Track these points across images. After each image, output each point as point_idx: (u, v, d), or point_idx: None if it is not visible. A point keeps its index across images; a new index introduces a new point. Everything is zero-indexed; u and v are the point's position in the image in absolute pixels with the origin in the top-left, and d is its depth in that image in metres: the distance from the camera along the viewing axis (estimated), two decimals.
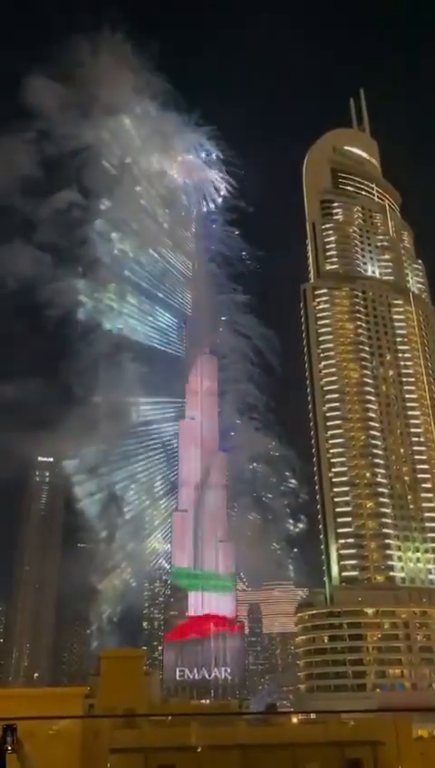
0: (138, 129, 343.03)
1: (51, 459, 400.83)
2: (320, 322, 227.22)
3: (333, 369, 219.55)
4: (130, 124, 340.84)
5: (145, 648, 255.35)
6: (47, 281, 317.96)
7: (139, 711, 65.03)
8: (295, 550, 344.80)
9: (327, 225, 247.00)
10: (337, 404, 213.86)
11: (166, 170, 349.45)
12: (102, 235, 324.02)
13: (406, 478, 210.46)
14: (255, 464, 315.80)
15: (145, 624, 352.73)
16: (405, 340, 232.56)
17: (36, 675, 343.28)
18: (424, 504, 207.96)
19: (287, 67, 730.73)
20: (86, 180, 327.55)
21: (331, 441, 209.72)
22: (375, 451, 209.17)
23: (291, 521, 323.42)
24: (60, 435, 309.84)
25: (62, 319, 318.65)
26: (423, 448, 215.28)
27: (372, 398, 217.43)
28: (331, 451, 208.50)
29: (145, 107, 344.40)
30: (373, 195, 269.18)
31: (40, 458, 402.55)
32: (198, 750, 52.70)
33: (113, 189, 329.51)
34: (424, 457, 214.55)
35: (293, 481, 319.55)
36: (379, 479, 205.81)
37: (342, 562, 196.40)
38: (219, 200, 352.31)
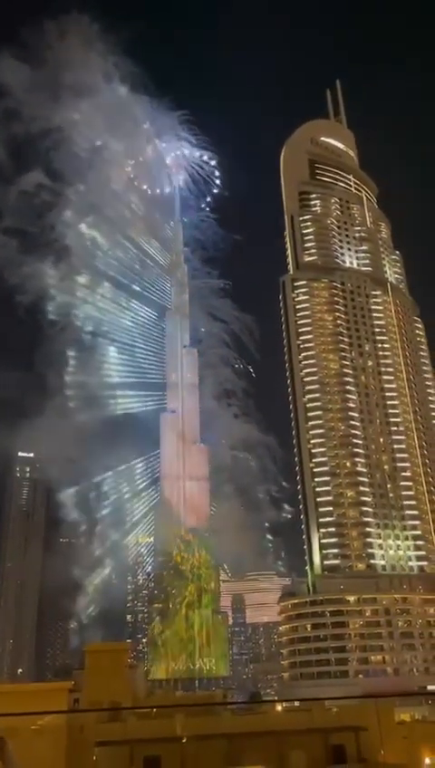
0: (108, 112, 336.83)
1: (31, 455, 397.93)
2: (299, 314, 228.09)
3: (313, 361, 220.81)
4: (100, 107, 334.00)
5: (129, 640, 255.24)
6: (15, 266, 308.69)
7: (124, 704, 65.20)
8: (278, 539, 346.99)
9: (305, 217, 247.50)
10: (317, 395, 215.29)
11: (138, 154, 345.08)
12: (72, 220, 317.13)
13: (386, 467, 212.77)
14: (235, 452, 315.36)
15: (129, 617, 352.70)
16: (383, 330, 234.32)
17: (20, 671, 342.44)
18: (403, 493, 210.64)
19: (264, 57, 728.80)
20: (55, 163, 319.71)
21: (311, 431, 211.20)
22: (355, 441, 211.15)
23: (273, 510, 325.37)
24: (38, 428, 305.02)
25: (33, 305, 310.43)
26: (402, 437, 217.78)
27: (352, 389, 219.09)
28: (311, 441, 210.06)
29: (115, 90, 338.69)
30: (350, 186, 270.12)
31: (21, 454, 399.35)
32: (183, 740, 52.99)
33: (83, 173, 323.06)
34: (403, 446, 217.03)
35: (274, 470, 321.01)
36: (359, 468, 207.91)
37: (323, 551, 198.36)
38: (193, 185, 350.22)
